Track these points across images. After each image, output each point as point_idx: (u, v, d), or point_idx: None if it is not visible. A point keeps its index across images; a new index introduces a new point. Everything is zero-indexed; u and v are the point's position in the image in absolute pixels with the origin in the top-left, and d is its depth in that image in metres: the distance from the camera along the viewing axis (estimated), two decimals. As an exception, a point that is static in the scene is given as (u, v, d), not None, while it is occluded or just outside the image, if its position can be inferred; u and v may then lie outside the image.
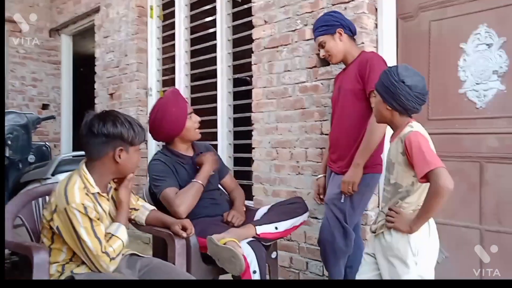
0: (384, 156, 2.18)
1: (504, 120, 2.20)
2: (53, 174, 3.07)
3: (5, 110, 4.01)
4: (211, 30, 3.64)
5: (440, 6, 2.41)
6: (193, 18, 3.89)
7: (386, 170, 1.65)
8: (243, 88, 3.48)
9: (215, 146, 3.44)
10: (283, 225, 2.10)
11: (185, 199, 2.06)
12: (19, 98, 5.43)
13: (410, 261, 1.51)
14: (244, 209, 2.32)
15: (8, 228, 1.74)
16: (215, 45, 3.58)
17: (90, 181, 1.63)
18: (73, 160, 3.23)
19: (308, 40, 2.75)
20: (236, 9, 3.46)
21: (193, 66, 3.92)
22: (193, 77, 3.96)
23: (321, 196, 2.40)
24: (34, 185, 2.89)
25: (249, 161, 3.27)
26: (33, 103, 5.53)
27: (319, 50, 2.31)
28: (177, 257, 1.85)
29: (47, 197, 1.86)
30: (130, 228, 1.97)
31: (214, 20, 3.59)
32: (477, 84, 2.28)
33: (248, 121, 3.27)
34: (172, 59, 4.06)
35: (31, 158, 3.68)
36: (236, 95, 3.54)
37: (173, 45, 4.01)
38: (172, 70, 4.09)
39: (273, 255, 2.23)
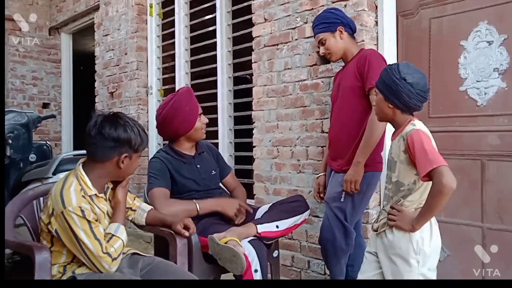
0: (385, 154, 2.19)
1: (505, 117, 2.20)
2: (54, 173, 3.07)
3: (6, 109, 4.00)
4: (211, 28, 3.63)
5: (440, 3, 2.40)
6: (192, 16, 3.88)
7: (387, 168, 1.65)
8: (244, 86, 3.47)
9: (216, 145, 3.44)
10: (284, 224, 2.09)
11: (171, 209, 2.04)
12: (20, 97, 5.43)
13: (412, 260, 1.52)
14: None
15: (9, 227, 1.74)
16: (215, 43, 3.57)
17: (87, 183, 1.61)
18: (74, 159, 3.22)
19: (308, 37, 2.75)
20: (235, 7, 3.45)
21: (193, 64, 3.91)
22: (193, 75, 3.96)
23: (321, 195, 2.40)
24: (35, 185, 2.88)
25: (250, 160, 3.27)
26: (33, 102, 5.53)
27: (318, 47, 2.30)
28: (179, 256, 1.85)
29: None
30: (131, 228, 1.97)
31: (214, 18, 3.58)
32: (477, 81, 2.27)
33: (248, 120, 3.26)
34: (172, 57, 4.06)
35: (32, 157, 3.67)
36: (237, 93, 3.53)
37: (173, 43, 4.00)
38: (172, 68, 4.08)
39: (275, 254, 2.23)
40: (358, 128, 2.12)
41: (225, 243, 1.84)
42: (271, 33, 2.98)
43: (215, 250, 1.86)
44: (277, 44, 2.94)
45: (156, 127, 2.29)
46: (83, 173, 1.62)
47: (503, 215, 2.20)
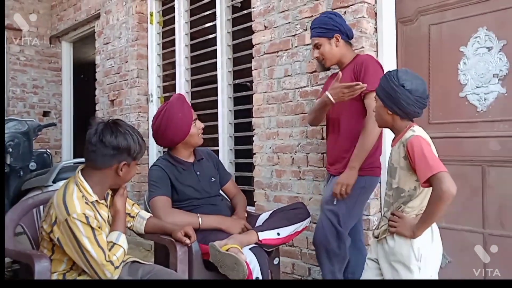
0: (384, 159, 2.18)
1: (506, 123, 2.20)
2: (54, 182, 3.07)
3: (6, 118, 4.01)
4: (211, 36, 3.65)
5: (439, 9, 2.41)
6: (193, 24, 3.90)
7: (388, 174, 1.64)
8: (244, 93, 3.48)
9: (216, 152, 3.44)
10: (285, 231, 2.09)
11: (173, 219, 2.04)
12: (20, 105, 5.44)
13: (413, 266, 1.51)
14: (246, 215, 2.31)
15: (9, 236, 1.73)
16: (215, 50, 3.58)
17: (88, 189, 1.61)
18: (74, 167, 3.22)
19: (308, 45, 2.76)
20: (236, 15, 3.47)
21: (194, 71, 3.92)
22: (194, 83, 3.97)
23: None
24: (35, 193, 2.88)
25: (250, 167, 3.27)
26: (34, 110, 5.54)
27: (313, 49, 2.28)
28: (179, 264, 1.84)
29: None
30: (131, 235, 1.96)
31: (214, 26, 3.60)
32: (477, 87, 2.28)
33: (248, 127, 3.27)
34: (173, 65, 4.07)
35: (32, 165, 3.67)
36: (237, 101, 3.54)
37: (173, 51, 4.02)
38: (172, 76, 4.09)
39: (275, 261, 2.22)
40: (354, 133, 2.10)
41: (227, 250, 1.83)
42: (271, 40, 2.99)
43: (216, 258, 1.85)
44: (277, 51, 2.95)
45: (153, 137, 2.28)
46: (83, 179, 1.63)
47: (504, 221, 2.19)
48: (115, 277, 1.58)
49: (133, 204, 1.96)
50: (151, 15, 4.23)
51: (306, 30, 2.77)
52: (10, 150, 3.52)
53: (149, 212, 2.10)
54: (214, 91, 3.61)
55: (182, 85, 3.94)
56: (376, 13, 2.56)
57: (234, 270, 1.80)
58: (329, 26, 2.18)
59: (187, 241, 1.85)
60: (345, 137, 2.16)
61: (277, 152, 2.97)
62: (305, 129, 2.80)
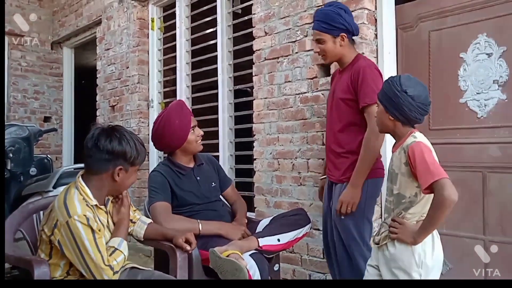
0: (385, 165, 2.17)
1: (506, 129, 2.20)
2: (54, 187, 3.07)
3: (7, 123, 4.02)
4: (212, 42, 3.66)
5: (439, 16, 2.42)
6: (194, 30, 3.91)
7: (388, 180, 1.64)
8: (244, 99, 3.48)
9: (217, 157, 3.44)
10: (286, 237, 2.08)
11: (173, 224, 2.03)
12: (21, 111, 5.45)
13: (414, 273, 1.50)
14: (246, 221, 2.30)
15: (9, 241, 1.73)
16: (216, 56, 3.59)
17: (88, 194, 1.62)
18: (74, 172, 3.22)
19: (308, 51, 2.77)
20: (236, 21, 3.48)
21: (194, 77, 3.93)
22: (194, 89, 3.98)
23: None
24: (35, 198, 2.88)
25: (250, 172, 3.27)
26: (35, 115, 5.55)
27: (314, 42, 2.16)
28: (179, 270, 1.84)
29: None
30: (131, 241, 1.95)
31: (215, 32, 3.61)
32: (477, 93, 2.28)
33: (249, 132, 3.27)
34: (173, 70, 4.08)
35: (33, 170, 3.67)
36: (237, 106, 3.54)
37: (174, 56, 4.03)
38: (173, 82, 4.10)
39: (276, 267, 2.21)
40: (352, 141, 2.05)
41: (227, 256, 1.82)
42: (271, 46, 3.00)
43: (216, 264, 1.84)
44: (278, 57, 2.96)
45: (151, 141, 2.29)
46: (83, 184, 1.64)
47: (505, 227, 2.19)
48: None
49: (134, 210, 1.96)
50: (152, 21, 4.25)
51: (306, 36, 2.78)
52: (11, 155, 3.53)
53: (149, 217, 2.09)
54: (215, 97, 3.61)
55: (183, 91, 3.95)
56: (376, 20, 2.57)
57: (235, 276, 1.79)
58: (337, 24, 2.04)
59: (188, 247, 1.85)
60: (338, 143, 2.11)
61: (278, 158, 2.97)
62: (306, 135, 2.80)
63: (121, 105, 4.46)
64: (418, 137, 1.54)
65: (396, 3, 2.58)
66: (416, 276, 1.50)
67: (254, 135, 3.14)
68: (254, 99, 3.14)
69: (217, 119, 3.57)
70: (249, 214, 2.47)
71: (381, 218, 2.49)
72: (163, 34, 4.23)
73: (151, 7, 4.26)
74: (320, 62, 2.71)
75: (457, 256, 2.25)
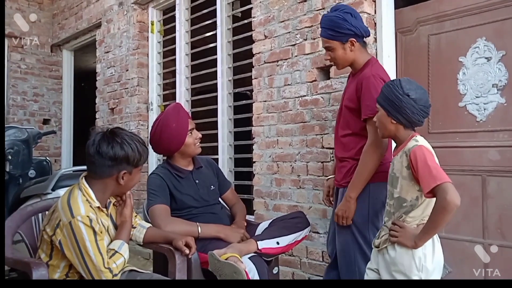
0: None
1: (505, 133, 2.20)
2: (53, 189, 3.06)
3: (6, 125, 4.01)
4: (212, 45, 3.67)
5: (438, 20, 2.43)
6: (193, 33, 3.92)
7: (389, 184, 1.64)
8: (244, 102, 3.49)
9: (216, 160, 3.44)
10: (285, 240, 2.08)
11: (172, 227, 2.03)
12: (20, 113, 5.45)
13: (414, 277, 1.50)
14: (245, 224, 2.30)
15: (7, 244, 1.73)
16: (215, 59, 3.60)
17: (91, 195, 1.63)
18: (73, 175, 3.21)
19: (308, 54, 2.77)
20: (236, 24, 3.49)
21: (194, 80, 3.93)
22: (194, 92, 3.98)
23: (331, 198, 2.26)
24: (34, 200, 2.87)
25: (249, 175, 3.26)
26: (34, 118, 5.55)
27: (324, 48, 2.08)
28: (178, 273, 1.83)
29: (46, 213, 1.85)
30: (130, 244, 1.95)
31: (215, 35, 3.62)
32: (477, 97, 2.29)
33: (248, 135, 3.27)
34: (173, 73, 4.08)
35: (32, 173, 3.66)
36: (237, 109, 3.55)
37: (174, 59, 4.03)
38: (173, 85, 4.11)
39: (275, 270, 2.20)
40: (353, 147, 2.01)
41: (226, 259, 1.82)
42: (271, 49, 3.01)
43: (215, 267, 1.83)
44: (277, 61, 2.97)
45: (150, 145, 2.28)
46: (87, 185, 1.64)
47: (505, 230, 2.19)
48: None
49: (135, 216, 1.96)
50: (152, 24, 4.26)
51: (306, 39, 2.79)
52: (10, 157, 3.52)
53: (147, 220, 2.09)
54: (214, 100, 3.61)
55: (182, 94, 3.95)
56: (375, 23, 2.58)
57: (233, 279, 1.78)
58: (344, 30, 1.96)
59: (187, 251, 1.83)
60: (342, 147, 2.08)
61: (277, 160, 2.96)
62: (305, 138, 2.80)
63: (120, 107, 4.46)
64: (419, 140, 1.54)
65: (395, 7, 2.59)
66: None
67: (254, 138, 3.14)
68: (254, 102, 3.15)
69: (216, 122, 3.58)
70: (248, 217, 2.47)
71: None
72: (163, 37, 4.24)
73: (151, 10, 4.27)
74: (320, 66, 2.71)
75: (457, 259, 2.24)
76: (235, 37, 3.49)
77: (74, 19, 5.29)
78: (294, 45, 2.86)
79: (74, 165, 5.45)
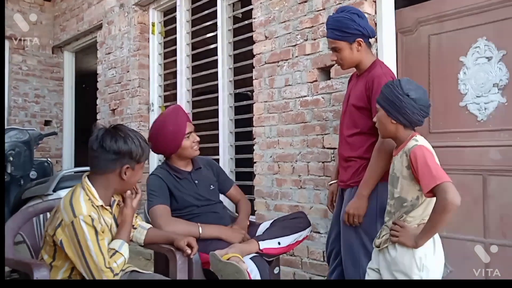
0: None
1: (506, 132, 2.20)
2: (54, 190, 3.06)
3: (7, 127, 4.02)
4: (212, 46, 3.67)
5: (438, 20, 2.43)
6: (194, 34, 3.92)
7: (389, 184, 1.64)
8: (244, 102, 3.49)
9: (217, 161, 3.44)
10: (286, 240, 2.08)
11: (173, 227, 2.03)
12: (22, 115, 5.46)
13: (415, 276, 1.50)
14: (248, 223, 2.30)
15: (8, 245, 1.73)
16: (216, 60, 3.60)
17: (94, 194, 1.63)
18: (75, 176, 3.22)
19: (308, 54, 2.77)
20: (236, 25, 3.50)
21: (195, 81, 3.94)
22: (195, 92, 3.98)
23: (335, 204, 2.24)
24: (35, 202, 2.87)
25: (250, 176, 3.27)
26: (35, 119, 5.56)
27: (329, 49, 2.10)
28: (179, 273, 1.83)
29: (48, 213, 1.85)
30: (131, 245, 1.95)
31: (215, 36, 3.62)
32: (477, 97, 2.29)
33: (249, 136, 3.27)
34: (174, 74, 4.09)
35: (33, 174, 3.67)
36: (238, 110, 3.55)
37: (175, 60, 4.04)
38: (173, 86, 4.11)
39: (276, 270, 2.21)
40: (361, 146, 2.00)
41: (227, 259, 1.82)
42: (271, 50, 3.01)
43: (217, 267, 1.84)
44: (278, 61, 2.97)
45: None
46: (89, 184, 1.64)
47: (506, 230, 2.18)
48: None
49: (136, 216, 1.96)
50: (153, 25, 4.27)
51: (306, 40, 2.79)
52: (11, 159, 3.53)
53: (148, 221, 2.09)
54: (215, 101, 3.62)
55: (183, 95, 3.96)
56: (376, 24, 2.58)
57: (235, 279, 1.78)
58: (351, 30, 1.96)
59: (189, 251, 1.83)
60: (348, 147, 2.06)
61: (278, 161, 2.97)
62: (306, 138, 2.80)
63: (121, 108, 4.46)
64: (419, 140, 1.55)
65: (395, 7, 2.59)
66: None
67: (254, 138, 3.14)
68: (254, 102, 3.15)
69: (217, 123, 3.58)
70: (250, 217, 2.46)
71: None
72: (164, 38, 4.25)
73: (152, 12, 4.28)
74: (320, 66, 2.72)
75: (458, 258, 2.24)
76: (236, 38, 3.50)
77: (75, 20, 5.30)
78: (294, 45, 2.87)
79: (75, 166, 5.46)
